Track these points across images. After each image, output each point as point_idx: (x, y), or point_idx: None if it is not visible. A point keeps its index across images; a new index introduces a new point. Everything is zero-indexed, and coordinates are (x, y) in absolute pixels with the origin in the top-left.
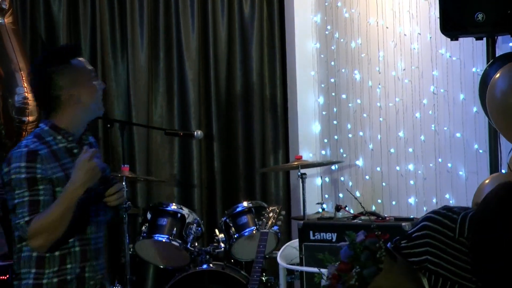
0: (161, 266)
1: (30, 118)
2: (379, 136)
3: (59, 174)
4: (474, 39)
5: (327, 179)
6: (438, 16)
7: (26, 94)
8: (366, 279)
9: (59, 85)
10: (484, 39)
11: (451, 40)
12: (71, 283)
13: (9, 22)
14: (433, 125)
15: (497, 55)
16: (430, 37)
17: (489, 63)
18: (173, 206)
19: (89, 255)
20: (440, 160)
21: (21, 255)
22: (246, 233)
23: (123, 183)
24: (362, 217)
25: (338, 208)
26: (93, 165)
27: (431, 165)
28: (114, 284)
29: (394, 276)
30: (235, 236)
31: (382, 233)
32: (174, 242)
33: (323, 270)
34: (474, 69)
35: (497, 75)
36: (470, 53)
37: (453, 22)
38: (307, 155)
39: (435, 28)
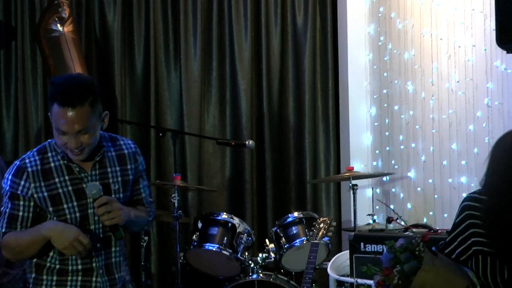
0: (211, 275)
1: None
2: (431, 148)
3: (40, 194)
4: None
5: (378, 191)
6: (494, 28)
7: None
8: (408, 276)
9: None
10: None
11: (507, 52)
12: None
13: (69, 31)
14: (487, 138)
15: None
16: (485, 49)
17: None
18: (224, 216)
19: (95, 272)
20: None
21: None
22: (297, 244)
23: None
24: (414, 230)
25: (389, 220)
26: (70, 239)
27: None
28: None
29: (436, 269)
30: (286, 246)
31: (422, 236)
32: (224, 252)
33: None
34: None
35: None
36: None
37: (510, 35)
38: (358, 166)
39: (490, 40)
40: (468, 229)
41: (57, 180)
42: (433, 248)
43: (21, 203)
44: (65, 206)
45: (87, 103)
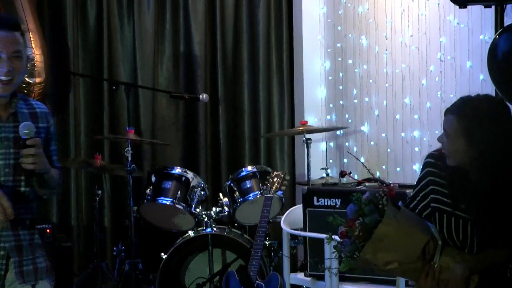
0: (165, 229)
1: (38, 80)
2: (385, 102)
3: None
4: (483, 6)
5: (332, 144)
6: None
7: (34, 55)
8: (369, 229)
9: None
10: (493, 6)
11: (460, 7)
12: None
13: None
14: (439, 92)
15: (505, 24)
16: (438, 4)
17: (497, 32)
18: (178, 170)
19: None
20: None
21: None
22: (250, 198)
23: (40, 150)
24: (367, 184)
25: (342, 174)
26: None
27: (436, 132)
28: (118, 246)
29: (397, 222)
30: (239, 200)
31: (388, 190)
32: (178, 206)
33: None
34: (482, 37)
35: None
36: (478, 20)
37: None
38: (312, 120)
39: None
40: (428, 186)
41: None
42: (400, 203)
43: None
44: None
45: (19, 32)
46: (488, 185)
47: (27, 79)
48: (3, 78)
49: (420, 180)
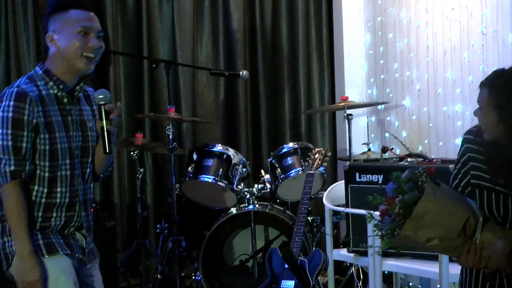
0: (207, 206)
1: None
2: (426, 77)
3: (41, 120)
4: None
5: (373, 119)
6: None
7: None
8: (409, 206)
9: (49, 27)
10: None
11: None
12: (54, 229)
13: None
14: (481, 66)
15: None
16: None
17: None
18: (219, 147)
19: (77, 206)
20: None
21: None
22: (292, 174)
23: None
24: (409, 159)
25: (384, 150)
26: (27, 279)
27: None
28: (161, 223)
29: (437, 199)
30: (281, 177)
31: (428, 168)
32: (220, 183)
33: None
34: None
35: None
36: None
37: None
38: (353, 95)
39: None
40: (468, 162)
41: (50, 108)
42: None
43: (25, 133)
44: (57, 135)
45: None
46: None
47: None
48: (91, 55)
49: (460, 157)
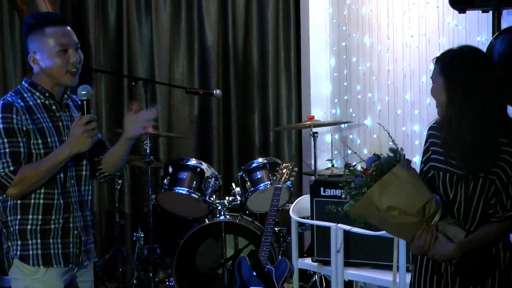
0: (181, 216)
1: None
2: (387, 98)
3: (30, 127)
4: (481, 11)
5: (336, 137)
6: None
7: None
8: (383, 171)
9: (29, 48)
10: (490, 12)
11: (459, 12)
12: (55, 232)
13: None
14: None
15: (502, 27)
16: (438, 6)
17: (494, 35)
18: (193, 161)
19: (72, 207)
20: None
21: (6, 204)
22: (261, 187)
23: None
24: None
25: (347, 166)
26: (79, 133)
27: None
28: (137, 231)
29: (408, 174)
30: (251, 190)
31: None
32: (193, 195)
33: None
34: (479, 38)
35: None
36: (476, 23)
37: None
38: (318, 113)
39: None
40: (430, 149)
41: (39, 115)
42: None
43: (19, 139)
44: (49, 139)
45: (70, 25)
46: (468, 134)
47: None
48: (73, 69)
49: (424, 145)
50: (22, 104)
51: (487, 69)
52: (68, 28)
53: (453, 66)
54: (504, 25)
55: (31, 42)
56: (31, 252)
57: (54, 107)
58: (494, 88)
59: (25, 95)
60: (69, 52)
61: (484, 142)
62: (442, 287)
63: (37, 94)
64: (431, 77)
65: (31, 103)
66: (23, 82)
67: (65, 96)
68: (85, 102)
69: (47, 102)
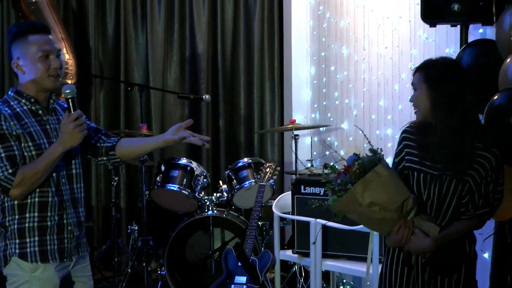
0: (173, 211)
1: (71, 82)
2: (362, 104)
3: (20, 131)
4: (450, 25)
5: (316, 139)
6: (418, 3)
7: (68, 60)
8: (365, 169)
9: (13, 54)
10: (459, 26)
11: (430, 26)
12: (52, 228)
13: None
14: (409, 97)
15: (469, 40)
16: (410, 20)
17: (462, 48)
18: (184, 160)
19: (64, 204)
20: None
21: (4, 206)
22: (246, 185)
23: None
24: None
25: (325, 166)
26: (70, 129)
27: None
28: (132, 224)
29: (389, 172)
30: (237, 187)
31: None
32: (184, 191)
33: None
34: (447, 50)
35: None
36: (445, 36)
37: (432, 11)
38: (299, 117)
39: (414, 12)
40: (403, 150)
41: (27, 120)
42: None
43: (12, 143)
44: (39, 141)
45: (51, 34)
46: (446, 135)
47: (63, 81)
48: (54, 73)
49: (397, 147)
50: (9, 111)
51: (467, 81)
52: (50, 36)
53: (439, 77)
54: (470, 38)
55: (15, 49)
56: (29, 250)
57: (40, 112)
58: (473, 98)
59: (12, 103)
60: (51, 58)
61: (463, 146)
62: (411, 278)
63: (23, 101)
64: (412, 84)
65: (18, 109)
66: (9, 92)
67: (51, 101)
68: (70, 100)
69: (33, 107)
